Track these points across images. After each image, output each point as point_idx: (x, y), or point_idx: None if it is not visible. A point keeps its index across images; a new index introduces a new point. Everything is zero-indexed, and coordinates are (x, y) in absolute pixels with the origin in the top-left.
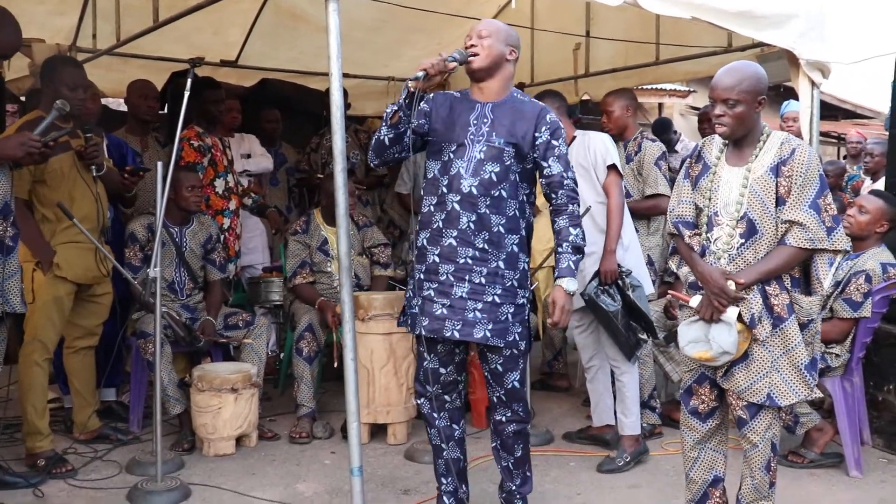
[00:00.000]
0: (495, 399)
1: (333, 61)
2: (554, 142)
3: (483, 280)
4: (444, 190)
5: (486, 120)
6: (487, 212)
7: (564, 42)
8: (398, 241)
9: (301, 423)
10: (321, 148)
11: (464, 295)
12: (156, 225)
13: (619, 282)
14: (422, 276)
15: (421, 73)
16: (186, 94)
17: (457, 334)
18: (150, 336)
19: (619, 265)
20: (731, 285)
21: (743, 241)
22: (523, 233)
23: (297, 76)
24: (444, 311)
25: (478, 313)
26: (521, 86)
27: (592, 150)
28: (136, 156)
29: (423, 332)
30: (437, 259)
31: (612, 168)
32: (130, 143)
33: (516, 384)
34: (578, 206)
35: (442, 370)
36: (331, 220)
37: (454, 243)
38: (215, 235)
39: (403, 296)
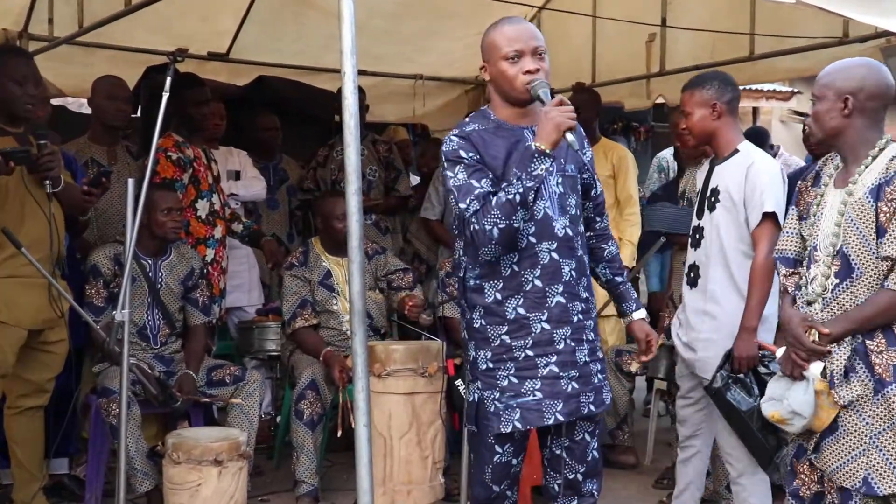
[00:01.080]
0: (562, 485)
1: (347, 56)
2: (591, 155)
3: (593, 335)
4: (533, 240)
5: None
6: (582, 252)
7: (634, 33)
8: (425, 279)
9: None
10: (330, 162)
11: (586, 359)
12: (125, 256)
13: (759, 369)
14: (530, 353)
15: (571, 136)
16: (165, 94)
17: (593, 408)
18: (115, 394)
19: (759, 347)
20: (815, 335)
21: (838, 281)
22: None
23: (303, 73)
24: (576, 386)
25: (600, 375)
26: (579, 87)
27: (753, 183)
28: (97, 178)
29: (560, 419)
30: (546, 326)
31: (769, 216)
32: (95, 154)
33: (596, 453)
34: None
35: (514, 461)
36: (333, 248)
37: (563, 301)
38: (198, 270)
39: (436, 348)
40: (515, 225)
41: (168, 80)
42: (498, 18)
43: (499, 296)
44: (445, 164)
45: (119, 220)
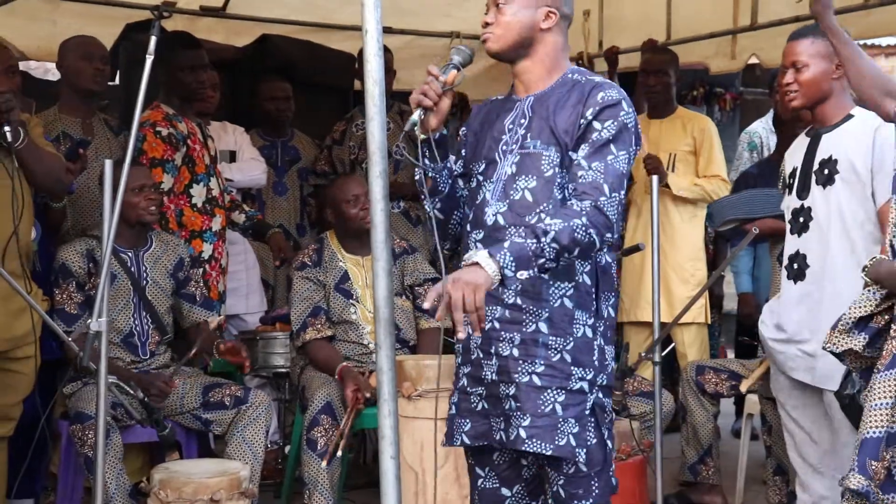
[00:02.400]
0: None
1: (370, 9)
2: (596, 124)
3: (514, 352)
4: (468, 228)
5: (523, 121)
6: None
7: None
8: None
9: None
10: (349, 139)
11: (493, 377)
12: (99, 251)
13: None
14: (458, 360)
15: (416, 115)
16: (150, 58)
17: (504, 438)
18: (90, 419)
19: None
20: None
21: None
22: (583, 278)
23: (315, 31)
24: (486, 406)
25: (514, 403)
26: (650, 45)
27: (883, 149)
28: (72, 150)
29: (466, 441)
30: (469, 329)
31: None
32: (67, 127)
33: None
34: (593, 203)
35: (503, 491)
36: (351, 244)
37: None
38: (187, 259)
39: None
40: (436, 216)
41: (153, 40)
42: None
43: None
44: None
45: (97, 209)
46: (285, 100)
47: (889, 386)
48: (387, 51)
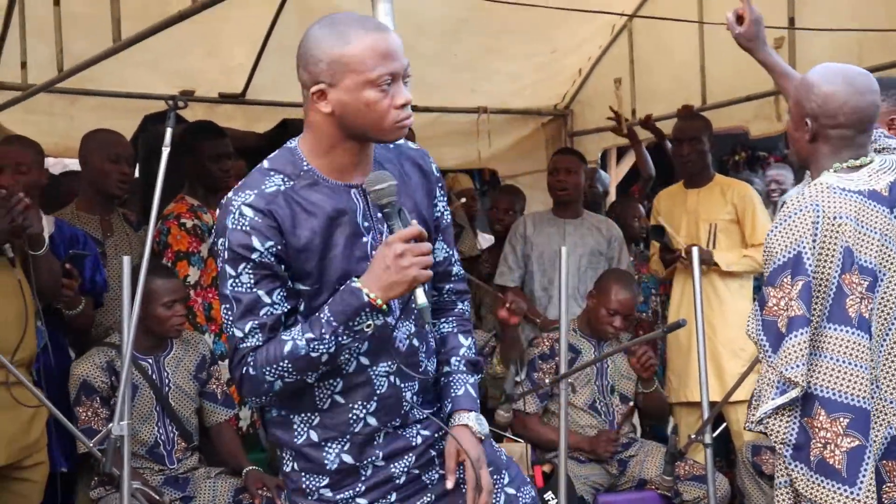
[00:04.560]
0: None
1: None
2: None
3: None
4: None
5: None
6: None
7: None
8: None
9: None
10: None
11: None
12: (119, 360)
13: None
14: None
15: (424, 300)
16: (165, 149)
17: None
18: None
19: None
20: None
21: None
22: None
23: None
24: None
25: None
26: (685, 111)
27: None
28: (80, 254)
29: None
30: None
31: None
32: (86, 225)
33: None
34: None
35: None
36: None
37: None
38: (209, 356)
39: (519, 452)
40: (309, 381)
41: (168, 131)
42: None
43: None
44: (223, 251)
45: (119, 307)
46: None
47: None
48: (410, 132)
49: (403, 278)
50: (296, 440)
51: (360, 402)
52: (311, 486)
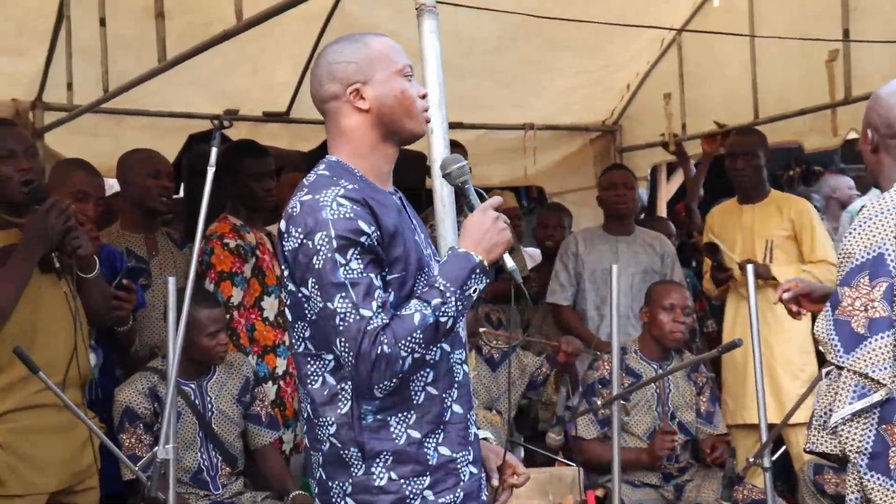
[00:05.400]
0: None
1: (434, 107)
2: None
3: None
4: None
5: None
6: None
7: (809, 51)
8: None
9: None
10: None
11: None
12: (162, 387)
13: None
14: None
15: (510, 262)
16: (211, 169)
17: None
18: None
19: None
20: None
21: None
22: None
23: None
24: None
25: None
26: (738, 127)
27: None
28: (137, 267)
29: None
30: (474, 469)
31: None
32: (131, 244)
33: None
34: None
35: None
36: None
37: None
38: (253, 378)
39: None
40: (427, 357)
41: (213, 150)
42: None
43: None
44: (325, 244)
45: (163, 327)
46: None
47: None
48: (458, 146)
49: (502, 239)
50: (397, 441)
51: (447, 391)
52: (413, 490)
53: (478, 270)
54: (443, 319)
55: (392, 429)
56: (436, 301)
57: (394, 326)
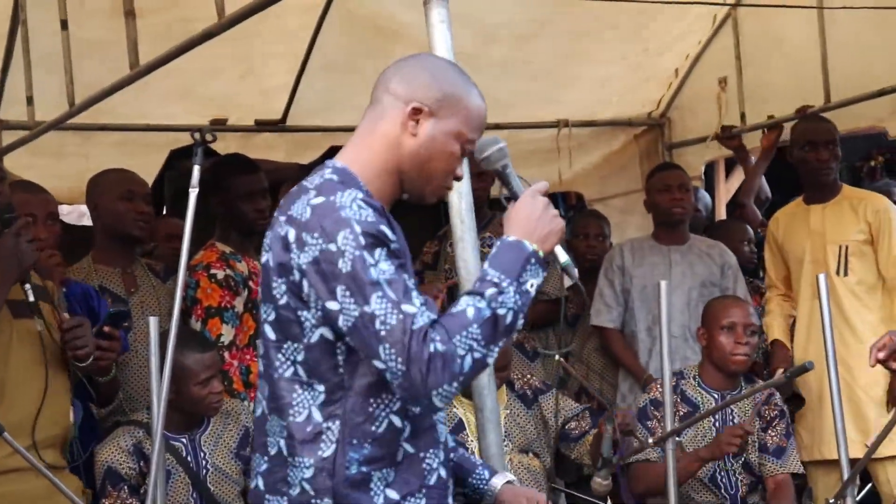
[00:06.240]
0: None
1: None
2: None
3: None
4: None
5: None
6: None
7: (889, 21)
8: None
9: None
10: (444, 261)
11: None
12: (152, 439)
13: None
14: None
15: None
16: (193, 191)
17: None
18: None
19: None
20: None
21: None
22: None
23: None
24: None
25: None
26: (805, 113)
27: None
28: (121, 311)
29: None
30: None
31: None
32: (105, 280)
33: None
34: None
35: None
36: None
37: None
38: (252, 427)
39: None
40: (489, 360)
41: (196, 169)
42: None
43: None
44: (351, 242)
45: (147, 374)
46: None
47: None
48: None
49: (556, 227)
50: (375, 500)
51: (428, 451)
52: None
53: (533, 260)
54: (501, 312)
55: (372, 485)
56: (490, 291)
57: (444, 322)
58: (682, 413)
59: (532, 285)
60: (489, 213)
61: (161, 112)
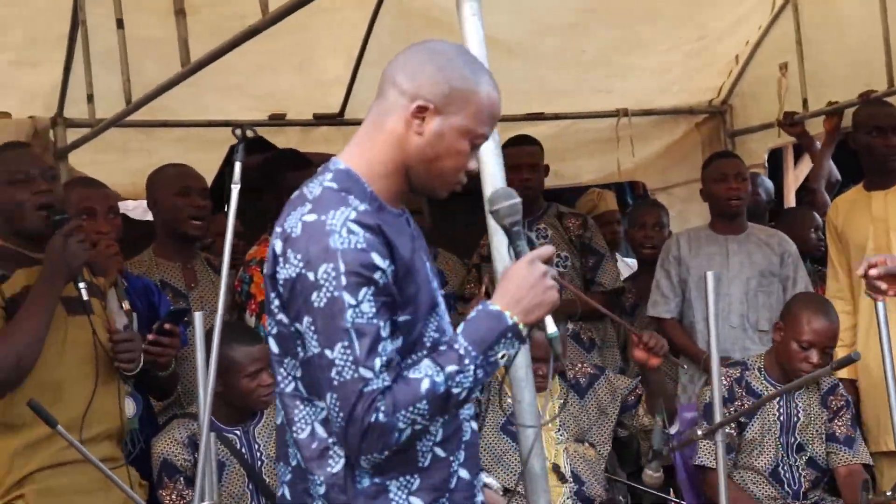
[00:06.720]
0: None
1: None
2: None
3: None
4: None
5: None
6: None
7: None
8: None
9: None
10: None
11: None
12: (199, 433)
13: None
14: None
15: (553, 329)
16: (235, 187)
17: None
18: None
19: None
20: None
21: None
22: None
23: None
24: None
25: None
26: (868, 98)
27: None
28: (181, 310)
29: None
30: None
31: None
32: (166, 274)
33: None
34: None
35: None
36: None
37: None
38: None
39: None
40: (431, 429)
41: (237, 166)
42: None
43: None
44: (332, 279)
45: (190, 382)
46: (417, 213)
47: None
48: (532, 143)
49: (547, 299)
50: None
51: (454, 454)
52: None
53: (510, 335)
54: (455, 391)
55: (391, 495)
56: (451, 368)
57: (396, 392)
58: (744, 406)
59: (504, 356)
60: (544, 204)
61: (219, 108)
